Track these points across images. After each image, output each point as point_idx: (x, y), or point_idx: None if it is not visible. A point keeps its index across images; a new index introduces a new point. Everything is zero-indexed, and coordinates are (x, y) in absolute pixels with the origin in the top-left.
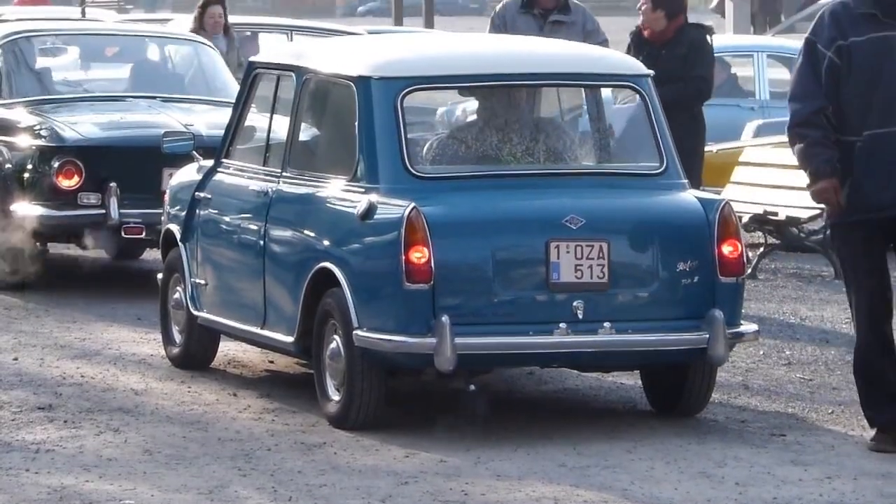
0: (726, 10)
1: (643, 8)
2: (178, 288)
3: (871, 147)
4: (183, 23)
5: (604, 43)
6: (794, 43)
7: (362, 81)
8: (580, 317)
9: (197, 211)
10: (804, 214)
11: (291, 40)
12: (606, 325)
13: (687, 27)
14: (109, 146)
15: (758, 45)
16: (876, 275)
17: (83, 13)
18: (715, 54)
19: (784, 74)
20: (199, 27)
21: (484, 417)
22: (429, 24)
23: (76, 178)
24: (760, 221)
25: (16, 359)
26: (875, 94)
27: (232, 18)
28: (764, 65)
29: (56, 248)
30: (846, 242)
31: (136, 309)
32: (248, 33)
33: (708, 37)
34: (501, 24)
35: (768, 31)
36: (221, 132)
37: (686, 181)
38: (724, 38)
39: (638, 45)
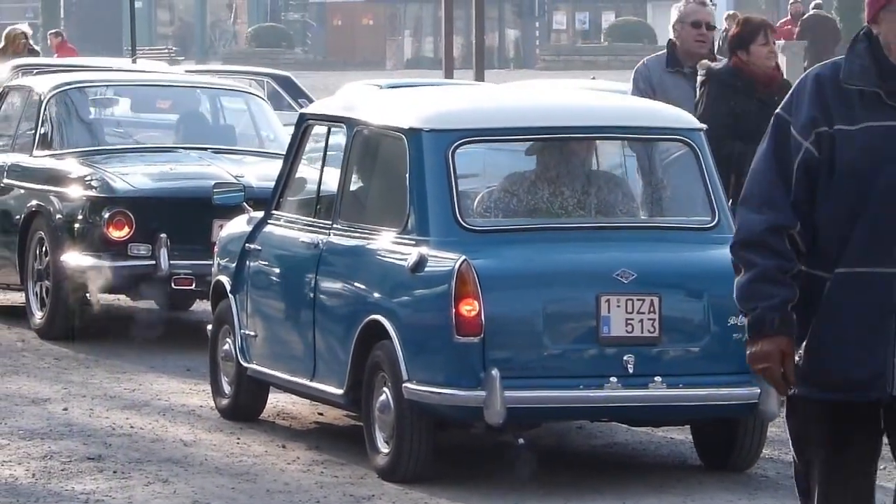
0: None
1: (775, 44)
2: (228, 339)
3: (844, 292)
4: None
5: None
6: None
7: (413, 134)
8: (631, 371)
9: (247, 262)
10: None
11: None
12: (657, 379)
13: None
14: (160, 197)
15: None
16: (850, 488)
17: (134, 63)
18: None
19: None
20: None
21: (533, 471)
22: (479, 76)
23: (126, 229)
24: None
25: (66, 409)
26: (864, 211)
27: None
28: None
29: (106, 299)
30: (803, 423)
31: (185, 360)
32: None
33: None
34: (648, 88)
35: None
36: (272, 184)
37: None
38: None
39: (740, 93)
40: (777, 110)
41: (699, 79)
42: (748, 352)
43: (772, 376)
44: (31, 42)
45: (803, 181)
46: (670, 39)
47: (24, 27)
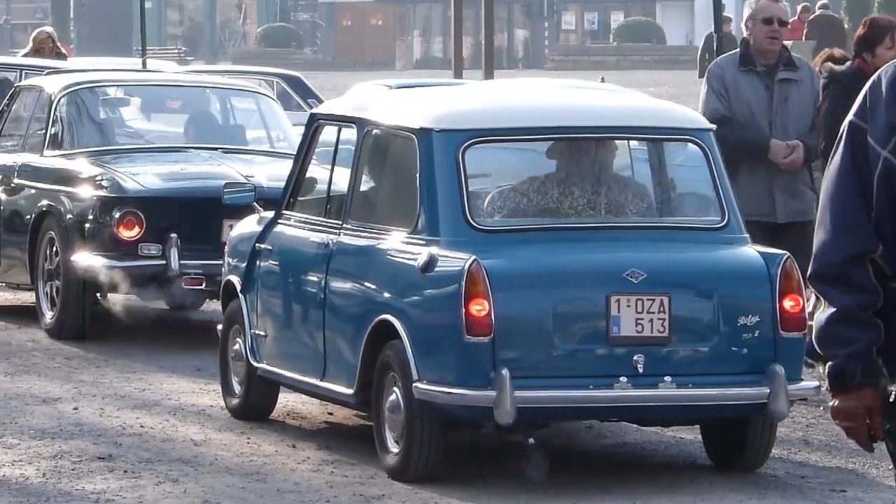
0: None
1: None
2: (238, 339)
3: None
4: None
5: None
6: None
7: (424, 134)
8: (640, 371)
9: (257, 262)
10: None
11: None
12: (667, 379)
13: None
14: (170, 197)
15: None
16: None
17: (144, 64)
18: None
19: None
20: None
21: (542, 471)
22: (488, 77)
23: (137, 229)
24: None
25: (76, 408)
26: None
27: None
28: None
29: (115, 299)
30: None
31: (195, 360)
32: None
33: None
34: (722, 88)
35: None
36: (282, 184)
37: (747, 235)
38: None
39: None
40: (849, 117)
41: (822, 81)
42: (830, 405)
43: (857, 436)
44: (59, 44)
45: (884, 194)
46: (744, 38)
47: (50, 29)
